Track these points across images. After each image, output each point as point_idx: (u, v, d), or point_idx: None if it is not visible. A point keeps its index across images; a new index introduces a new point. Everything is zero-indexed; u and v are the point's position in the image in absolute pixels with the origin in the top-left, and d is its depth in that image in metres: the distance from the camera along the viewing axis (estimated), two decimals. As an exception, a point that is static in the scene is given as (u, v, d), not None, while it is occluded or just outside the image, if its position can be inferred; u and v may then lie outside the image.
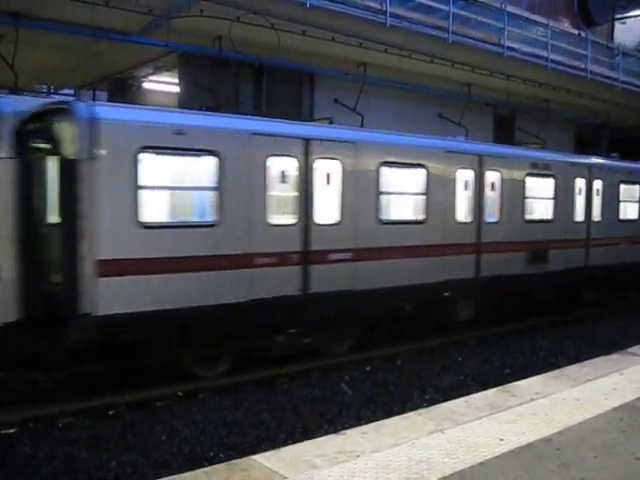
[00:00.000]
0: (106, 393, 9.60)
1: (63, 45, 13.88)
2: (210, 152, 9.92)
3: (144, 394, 9.77)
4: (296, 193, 10.95)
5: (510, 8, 17.47)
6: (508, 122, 21.92)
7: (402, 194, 12.86)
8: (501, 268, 14.62)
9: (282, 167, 10.78)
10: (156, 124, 9.56)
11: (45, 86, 18.78)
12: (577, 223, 16.96)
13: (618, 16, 29.50)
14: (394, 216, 12.60)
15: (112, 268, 8.90)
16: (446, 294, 13.58)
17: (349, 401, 10.02)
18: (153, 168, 9.42)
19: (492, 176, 14.40)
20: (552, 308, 16.79)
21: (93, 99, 17.53)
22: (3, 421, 8.54)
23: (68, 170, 8.82)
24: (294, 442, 6.63)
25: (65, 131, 9.00)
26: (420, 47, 15.53)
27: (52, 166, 9.26)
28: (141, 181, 9.19)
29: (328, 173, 11.38)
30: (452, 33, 15.33)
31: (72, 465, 7.55)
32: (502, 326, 15.26)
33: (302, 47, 14.49)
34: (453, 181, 13.50)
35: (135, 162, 9.12)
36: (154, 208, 9.53)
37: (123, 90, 17.11)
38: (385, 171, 12.19)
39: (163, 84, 16.79)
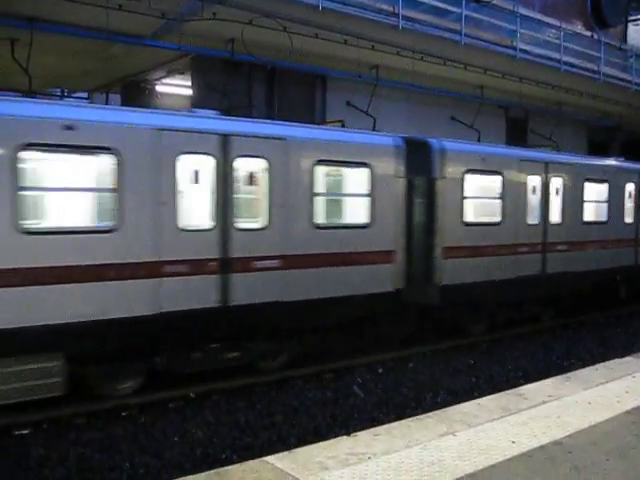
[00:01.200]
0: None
1: (76, 49, 13.99)
2: (498, 173, 14.01)
3: (156, 396, 9.82)
4: (539, 201, 15.07)
5: (522, 10, 17.44)
6: (521, 124, 21.87)
7: (596, 202, 17.00)
8: None
9: (534, 182, 14.92)
10: (473, 153, 13.78)
11: (58, 90, 18.91)
12: None
13: (631, 18, 29.25)
14: (590, 218, 16.75)
15: (450, 253, 13.01)
16: (618, 277, 18.08)
17: (361, 403, 10.04)
18: (470, 184, 13.37)
19: None
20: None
21: (106, 102, 17.70)
22: (17, 422, 8.62)
23: (428, 186, 12.84)
24: (306, 444, 6.63)
25: (426, 158, 12.83)
26: (432, 50, 15.52)
27: (419, 183, 12.83)
28: (465, 193, 13.23)
29: (557, 187, 15.55)
30: (464, 35, 15.32)
31: (85, 466, 7.62)
32: (515, 329, 15.24)
33: (314, 50, 14.52)
34: (623, 191, 18.16)
35: (462, 180, 13.21)
36: (468, 212, 13.43)
37: (136, 93, 17.19)
38: (587, 185, 16.49)
39: (176, 87, 16.85)
